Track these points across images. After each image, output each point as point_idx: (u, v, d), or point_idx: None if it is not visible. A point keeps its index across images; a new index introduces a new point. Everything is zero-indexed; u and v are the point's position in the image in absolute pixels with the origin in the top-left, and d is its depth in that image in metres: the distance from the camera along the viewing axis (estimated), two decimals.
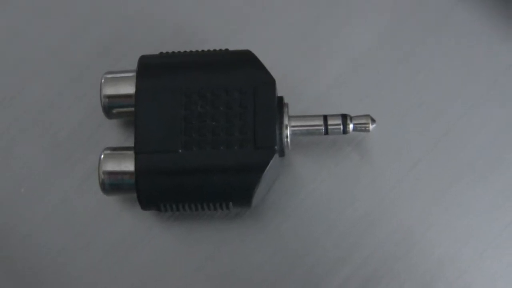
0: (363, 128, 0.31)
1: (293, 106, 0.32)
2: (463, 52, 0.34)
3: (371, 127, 0.31)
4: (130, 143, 0.31)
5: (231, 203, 0.30)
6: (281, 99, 0.31)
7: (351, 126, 0.31)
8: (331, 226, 0.32)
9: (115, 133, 0.33)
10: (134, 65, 0.31)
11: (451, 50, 0.34)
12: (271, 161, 0.29)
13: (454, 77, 0.34)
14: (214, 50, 0.32)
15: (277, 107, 0.30)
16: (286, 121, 0.31)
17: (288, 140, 0.31)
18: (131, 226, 0.33)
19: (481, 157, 0.33)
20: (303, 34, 0.34)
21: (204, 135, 0.30)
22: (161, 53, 0.32)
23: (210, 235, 0.33)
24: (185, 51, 0.32)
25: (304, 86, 0.34)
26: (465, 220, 0.32)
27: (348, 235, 0.32)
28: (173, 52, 0.32)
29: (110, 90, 0.31)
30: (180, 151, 0.30)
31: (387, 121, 0.33)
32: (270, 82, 0.30)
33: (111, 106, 0.31)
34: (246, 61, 0.31)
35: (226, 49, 0.32)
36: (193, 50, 0.32)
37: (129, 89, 0.31)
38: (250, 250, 0.32)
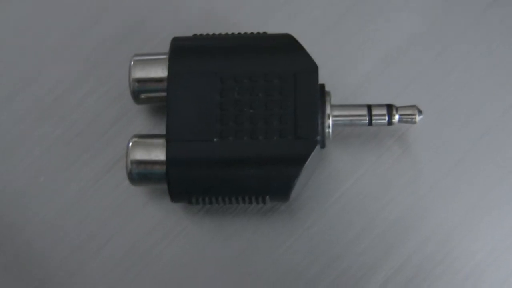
0: (409, 120, 0.29)
1: (334, 94, 0.30)
2: (499, 51, 0.32)
3: (418, 118, 0.29)
4: (160, 130, 0.29)
5: (268, 196, 0.28)
6: (323, 86, 0.29)
7: (396, 117, 0.29)
8: (368, 226, 0.31)
9: (144, 120, 0.31)
10: (163, 48, 0.30)
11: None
12: (313, 153, 0.27)
13: (493, 75, 0.32)
14: (252, 33, 0.30)
15: (319, 95, 0.28)
16: (328, 110, 0.29)
17: (330, 130, 0.29)
18: (159, 219, 0.31)
19: None
20: (343, 16, 0.32)
21: (242, 124, 0.28)
22: (195, 35, 0.30)
23: (242, 230, 0.31)
24: (220, 34, 0.30)
25: (342, 74, 0.32)
26: (509, 223, 0.30)
27: (385, 236, 0.30)
28: (207, 34, 0.30)
29: (140, 73, 0.29)
30: (215, 140, 0.28)
31: (430, 114, 0.31)
32: (312, 68, 0.28)
33: (140, 91, 0.29)
34: (287, 45, 0.29)
35: (265, 32, 0.30)
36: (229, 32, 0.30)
37: (160, 72, 0.29)
38: (283, 248, 0.30)
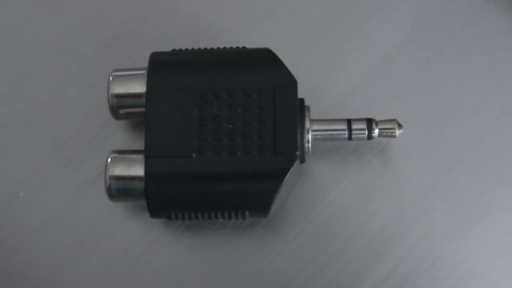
0: (389, 134, 0.29)
1: (313, 109, 0.30)
2: (494, 53, 0.32)
3: (397, 132, 0.29)
4: (138, 146, 0.29)
5: (247, 212, 0.28)
6: (302, 101, 0.29)
7: (376, 131, 0.29)
8: (351, 238, 0.30)
9: (122, 135, 0.31)
10: (142, 63, 0.29)
11: (481, 51, 0.32)
12: (292, 168, 0.27)
13: (485, 79, 0.32)
14: (231, 48, 0.30)
15: (298, 110, 0.28)
16: (307, 125, 0.28)
17: (309, 145, 0.29)
18: (139, 235, 0.31)
19: None
20: (323, 32, 0.32)
21: (220, 139, 0.28)
22: (174, 50, 0.30)
23: (222, 245, 0.30)
24: (199, 48, 0.30)
25: (324, 87, 0.32)
26: (495, 234, 0.30)
27: (369, 247, 0.30)
28: (187, 49, 0.29)
29: (118, 89, 0.29)
30: (194, 155, 0.27)
31: (413, 126, 0.31)
32: (291, 83, 0.28)
33: (119, 106, 0.29)
34: (266, 60, 0.29)
35: (244, 47, 0.30)
36: (208, 47, 0.30)
37: (138, 88, 0.29)
38: (265, 262, 0.30)
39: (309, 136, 0.28)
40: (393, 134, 0.29)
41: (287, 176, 0.27)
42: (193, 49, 0.30)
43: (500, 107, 0.31)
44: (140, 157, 0.28)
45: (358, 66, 0.32)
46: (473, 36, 0.32)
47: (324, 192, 0.31)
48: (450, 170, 0.31)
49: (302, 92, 0.29)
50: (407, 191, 0.31)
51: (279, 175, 0.27)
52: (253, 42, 0.30)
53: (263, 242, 0.30)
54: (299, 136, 0.28)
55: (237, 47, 0.30)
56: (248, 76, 0.28)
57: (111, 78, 0.29)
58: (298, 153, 0.28)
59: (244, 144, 0.28)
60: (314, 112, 0.30)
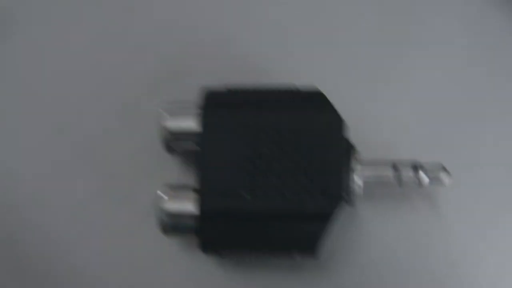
0: (440, 181, 0.29)
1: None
2: None
3: (447, 180, 0.29)
4: (189, 181, 0.30)
5: (296, 252, 0.29)
6: (349, 141, 0.29)
7: (426, 179, 0.29)
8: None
9: (172, 169, 0.32)
10: (190, 95, 0.30)
11: None
12: (338, 210, 0.28)
13: None
14: (284, 88, 0.30)
15: (344, 151, 0.29)
16: (355, 168, 0.29)
17: (358, 188, 0.29)
18: (191, 270, 0.31)
19: None
20: (369, 72, 0.33)
21: (270, 179, 0.28)
22: (227, 86, 0.30)
23: (271, 284, 0.31)
24: (252, 87, 0.30)
25: (369, 129, 0.32)
26: None
27: None
28: (240, 87, 0.30)
29: (171, 124, 0.30)
30: (245, 195, 0.28)
31: (462, 173, 0.31)
32: (339, 124, 0.29)
33: (171, 140, 0.30)
34: (317, 101, 0.29)
35: (296, 88, 0.30)
36: (255, 82, 0.30)
37: (191, 123, 0.29)
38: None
39: (357, 178, 0.29)
40: (444, 182, 0.29)
41: (334, 218, 0.28)
42: (246, 86, 0.30)
43: None
44: (192, 193, 0.29)
45: (404, 108, 0.32)
46: None
47: (372, 238, 0.31)
48: (497, 224, 0.31)
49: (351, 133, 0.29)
50: (455, 243, 0.31)
51: (325, 216, 0.28)
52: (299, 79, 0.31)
53: (311, 284, 0.31)
54: (345, 178, 0.28)
55: (290, 87, 0.30)
56: (298, 117, 0.29)
57: (164, 112, 0.30)
58: (344, 195, 0.28)
59: (292, 185, 0.28)
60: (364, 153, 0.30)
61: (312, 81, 0.30)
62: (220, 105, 0.29)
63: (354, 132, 0.30)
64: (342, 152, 0.29)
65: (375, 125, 0.32)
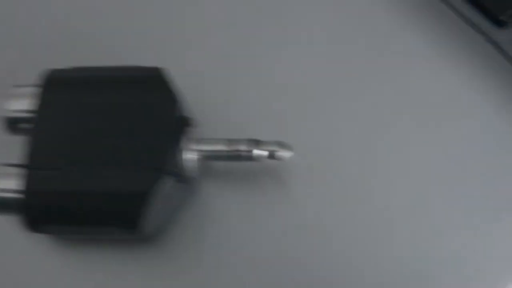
0: (278, 156, 0.29)
1: (209, 130, 0.30)
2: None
3: (286, 155, 0.29)
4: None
5: (116, 228, 0.28)
6: (185, 119, 0.29)
7: (264, 153, 0.29)
8: (243, 263, 0.30)
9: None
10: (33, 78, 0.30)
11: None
12: (163, 186, 0.27)
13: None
14: (123, 67, 0.30)
15: (177, 128, 0.28)
16: (189, 143, 0.29)
17: (192, 165, 0.29)
18: (22, 250, 0.31)
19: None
20: (223, 54, 0.33)
21: (97, 156, 0.28)
22: (68, 68, 0.30)
23: (105, 263, 0.30)
24: (89, 66, 0.30)
25: (222, 110, 0.32)
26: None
27: (264, 273, 0.30)
28: (76, 67, 0.30)
29: (12, 105, 0.30)
30: (68, 169, 0.28)
31: (307, 149, 0.30)
32: (172, 100, 0.28)
33: (12, 121, 0.30)
34: (153, 78, 0.29)
35: (136, 67, 0.30)
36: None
37: (30, 104, 0.29)
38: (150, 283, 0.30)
39: (191, 155, 0.29)
40: (282, 156, 0.29)
41: (157, 193, 0.27)
42: (82, 67, 0.30)
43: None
44: (20, 170, 0.28)
45: (257, 90, 0.32)
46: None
47: (215, 215, 0.31)
48: (344, 195, 0.31)
49: (200, 114, 0.30)
50: (300, 217, 0.30)
51: (147, 192, 0.27)
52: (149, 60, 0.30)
53: (150, 262, 0.30)
54: (175, 154, 0.28)
55: (128, 66, 0.30)
56: (131, 94, 0.29)
57: (6, 94, 0.30)
58: (169, 170, 0.28)
59: (117, 159, 0.28)
60: (209, 133, 0.30)
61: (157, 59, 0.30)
62: (58, 85, 0.29)
63: (207, 112, 0.30)
64: (171, 129, 0.28)
65: (230, 106, 0.32)
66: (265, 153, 0.29)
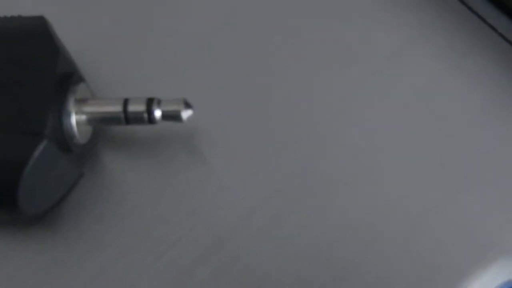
0: (175, 116, 0.25)
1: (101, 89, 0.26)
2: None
3: (185, 114, 0.25)
4: None
5: None
6: (71, 76, 0.25)
7: (158, 112, 0.25)
8: (150, 244, 0.26)
9: None
10: None
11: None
12: (44, 154, 0.23)
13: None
14: (7, 18, 0.26)
15: (61, 86, 0.24)
16: (77, 105, 0.24)
17: (81, 130, 0.25)
18: None
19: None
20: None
21: None
22: None
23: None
24: None
25: (116, 67, 0.28)
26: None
27: (175, 253, 0.26)
28: None
29: None
30: None
31: (214, 112, 0.27)
32: (52, 54, 0.24)
33: None
34: (35, 29, 0.25)
35: (19, 16, 0.26)
36: None
37: None
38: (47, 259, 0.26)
39: (75, 118, 0.24)
40: (179, 116, 0.25)
41: (35, 161, 0.23)
42: None
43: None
44: None
45: (157, 50, 0.29)
46: None
47: (113, 189, 0.27)
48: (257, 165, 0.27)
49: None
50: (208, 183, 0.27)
51: (23, 158, 0.23)
52: None
53: (43, 238, 0.26)
54: (58, 117, 0.24)
55: (12, 16, 0.26)
56: (10, 46, 0.25)
57: None
58: (48, 133, 0.23)
59: None
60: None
61: None
62: None
63: (99, 69, 0.26)
64: (53, 87, 0.24)
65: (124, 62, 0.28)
66: (168, 113, 0.25)
